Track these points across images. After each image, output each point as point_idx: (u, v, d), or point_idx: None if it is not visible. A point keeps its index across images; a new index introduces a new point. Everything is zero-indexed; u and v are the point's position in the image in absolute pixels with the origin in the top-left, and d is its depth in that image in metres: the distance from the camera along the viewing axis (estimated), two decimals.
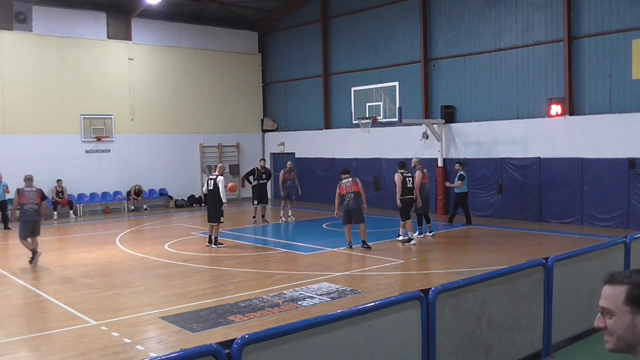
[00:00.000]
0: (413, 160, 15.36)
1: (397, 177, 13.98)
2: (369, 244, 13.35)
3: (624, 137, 15.52)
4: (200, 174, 25.23)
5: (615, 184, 15.67)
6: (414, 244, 13.89)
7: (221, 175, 14.44)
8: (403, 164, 14.43)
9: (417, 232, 15.00)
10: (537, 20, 17.55)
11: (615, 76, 15.93)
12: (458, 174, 16.84)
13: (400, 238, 14.24)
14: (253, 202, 18.34)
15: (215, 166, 15.67)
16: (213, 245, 14.10)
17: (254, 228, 17.73)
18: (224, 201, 14.08)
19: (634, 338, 2.01)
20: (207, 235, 14.47)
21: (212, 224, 14.22)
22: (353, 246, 13.42)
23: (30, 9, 21.30)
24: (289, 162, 19.27)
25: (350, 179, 13.49)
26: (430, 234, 15.13)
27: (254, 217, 18.43)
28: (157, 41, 24.26)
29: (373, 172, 21.85)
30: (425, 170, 15.12)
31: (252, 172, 18.44)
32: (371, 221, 16.13)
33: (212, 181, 14.29)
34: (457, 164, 17.26)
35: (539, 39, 17.52)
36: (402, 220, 14.11)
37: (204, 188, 14.89)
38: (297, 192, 18.64)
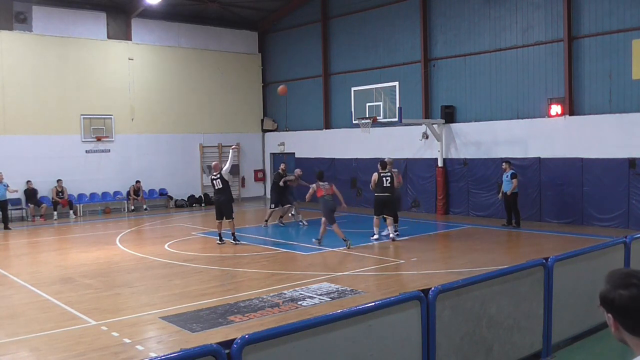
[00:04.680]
0: (386, 159, 15.57)
1: (374, 176, 14.74)
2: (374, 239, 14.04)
3: (624, 137, 15.52)
4: (200, 174, 25.25)
5: (615, 184, 15.67)
6: (375, 240, 14.52)
7: (220, 171, 14.58)
8: (385, 163, 14.94)
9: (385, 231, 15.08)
10: (537, 20, 17.55)
11: (615, 76, 15.93)
12: (510, 173, 16.11)
13: (385, 233, 14.72)
14: (272, 206, 17.79)
15: (211, 166, 15.48)
16: (232, 241, 14.46)
17: (256, 228, 17.68)
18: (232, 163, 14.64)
19: (616, 334, 2.08)
20: (218, 235, 14.71)
21: (227, 220, 14.49)
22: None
23: (30, 9, 21.30)
24: (298, 170, 18.42)
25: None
26: (395, 234, 14.80)
27: (266, 220, 17.76)
28: (157, 41, 24.25)
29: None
30: (395, 170, 15.39)
31: (282, 177, 17.62)
32: (371, 221, 16.21)
33: (218, 180, 14.40)
34: (505, 163, 16.47)
35: (539, 39, 17.52)
36: (375, 217, 14.79)
37: (214, 191, 14.90)
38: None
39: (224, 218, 14.56)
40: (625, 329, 2.03)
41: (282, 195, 17.60)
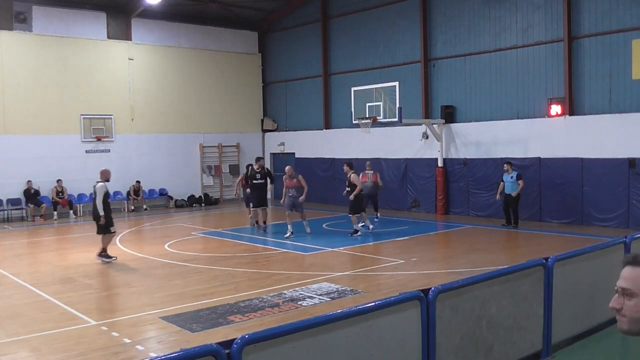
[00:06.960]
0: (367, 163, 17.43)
1: (360, 177, 15.83)
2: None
3: (624, 137, 15.52)
4: (200, 174, 25.25)
5: (615, 184, 15.67)
6: (359, 235, 15.17)
7: (104, 181, 12.70)
8: (351, 163, 16.05)
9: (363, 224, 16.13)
10: (537, 20, 17.54)
11: (615, 76, 15.93)
12: (515, 174, 16.07)
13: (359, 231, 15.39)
14: (247, 205, 17.11)
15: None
16: (99, 258, 12.53)
17: (254, 229, 17.62)
18: (100, 213, 12.30)
19: (634, 325, 2.01)
20: (101, 249, 12.70)
21: (100, 234, 12.65)
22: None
23: (30, 9, 21.30)
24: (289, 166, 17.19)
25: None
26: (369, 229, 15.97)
27: (256, 221, 16.81)
28: (157, 41, 24.25)
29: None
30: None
31: (245, 175, 17.08)
32: (371, 220, 16.26)
33: (94, 187, 12.74)
34: (506, 164, 16.40)
35: (539, 39, 17.52)
36: (351, 214, 15.36)
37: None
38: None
39: (103, 231, 12.59)
40: None
41: (257, 196, 16.43)
